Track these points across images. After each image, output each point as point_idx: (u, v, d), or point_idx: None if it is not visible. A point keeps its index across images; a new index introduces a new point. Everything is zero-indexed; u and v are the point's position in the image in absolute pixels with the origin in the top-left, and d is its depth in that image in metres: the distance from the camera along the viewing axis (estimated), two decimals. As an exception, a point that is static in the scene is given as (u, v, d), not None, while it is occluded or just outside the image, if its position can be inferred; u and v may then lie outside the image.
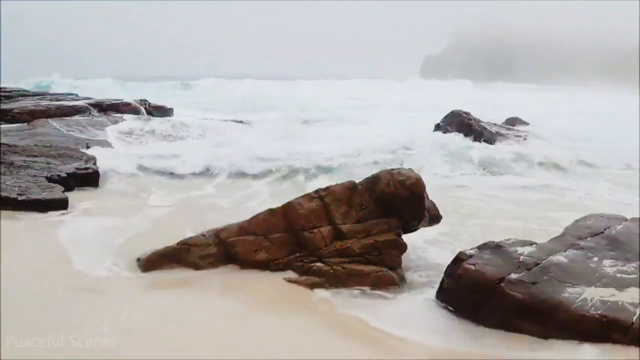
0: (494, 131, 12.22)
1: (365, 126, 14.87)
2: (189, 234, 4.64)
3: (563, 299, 3.44)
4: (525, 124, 14.57)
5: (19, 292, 3.75)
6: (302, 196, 4.50)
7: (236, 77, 41.73)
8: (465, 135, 11.86)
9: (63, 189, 6.34)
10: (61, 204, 5.84)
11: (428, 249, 5.00)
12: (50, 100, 14.12)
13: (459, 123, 12.31)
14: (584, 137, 13.70)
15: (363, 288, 4.09)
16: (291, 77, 45.47)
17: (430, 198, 4.71)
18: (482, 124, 12.39)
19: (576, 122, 17.96)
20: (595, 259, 3.95)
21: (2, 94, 14.07)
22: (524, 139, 12.27)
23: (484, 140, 11.63)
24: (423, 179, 4.50)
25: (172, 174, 7.99)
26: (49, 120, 10.88)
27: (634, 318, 3.27)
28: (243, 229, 4.41)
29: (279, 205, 4.50)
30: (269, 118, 14.94)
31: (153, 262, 4.27)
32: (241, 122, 13.89)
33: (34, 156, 7.48)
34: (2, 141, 8.00)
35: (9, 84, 20.08)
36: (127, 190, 7.01)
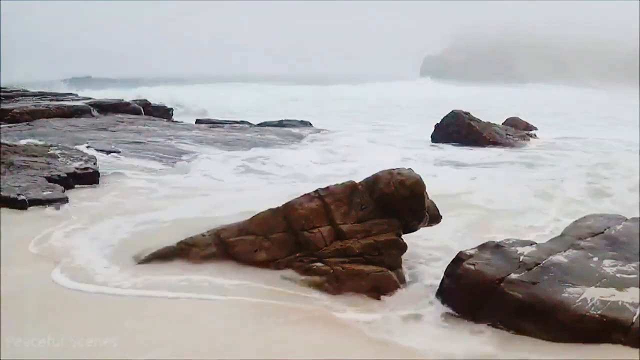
0: (495, 132, 12.19)
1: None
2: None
3: (563, 299, 3.44)
4: (525, 123, 14.63)
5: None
6: (302, 196, 4.50)
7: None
8: (463, 143, 11.67)
9: (63, 188, 6.34)
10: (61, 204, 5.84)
11: (428, 249, 4.99)
12: (51, 100, 14.13)
13: (459, 124, 12.23)
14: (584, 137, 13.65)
15: (363, 289, 4.08)
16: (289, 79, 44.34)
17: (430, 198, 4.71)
18: (483, 124, 12.36)
19: (577, 122, 17.92)
20: (595, 259, 3.94)
21: (2, 94, 14.08)
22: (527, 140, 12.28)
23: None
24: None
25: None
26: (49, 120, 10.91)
27: (634, 318, 3.27)
28: (243, 228, 4.41)
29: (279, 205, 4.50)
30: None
31: (151, 262, 4.27)
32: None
33: (34, 156, 7.48)
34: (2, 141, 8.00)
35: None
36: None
